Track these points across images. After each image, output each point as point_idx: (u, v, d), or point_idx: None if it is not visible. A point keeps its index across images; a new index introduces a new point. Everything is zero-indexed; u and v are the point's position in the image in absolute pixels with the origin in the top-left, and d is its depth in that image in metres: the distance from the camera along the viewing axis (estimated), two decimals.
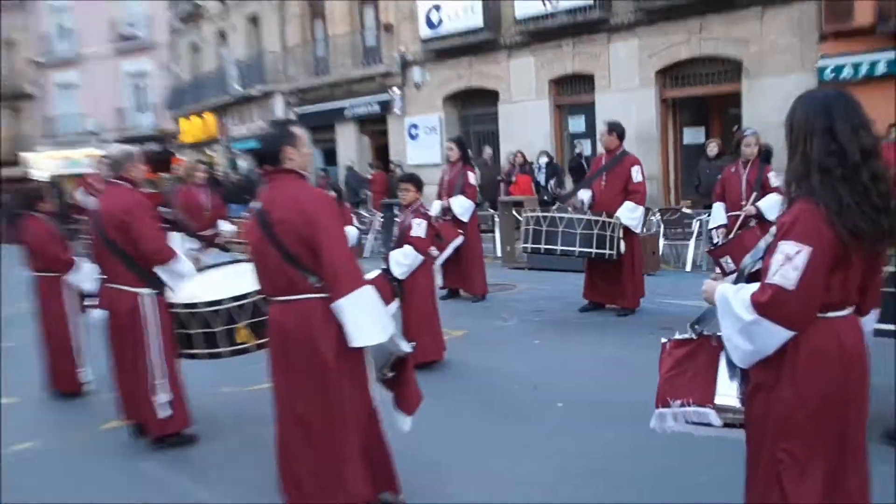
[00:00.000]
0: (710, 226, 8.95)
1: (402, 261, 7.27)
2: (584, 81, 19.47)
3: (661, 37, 17.67)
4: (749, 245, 7.77)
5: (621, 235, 8.99)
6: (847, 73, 15.17)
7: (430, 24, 21.64)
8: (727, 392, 3.13)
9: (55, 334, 7.31)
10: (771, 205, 8.21)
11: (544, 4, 18.89)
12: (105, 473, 5.47)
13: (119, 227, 5.43)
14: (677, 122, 18.47)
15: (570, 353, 7.95)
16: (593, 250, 8.93)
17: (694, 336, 3.29)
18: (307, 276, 3.89)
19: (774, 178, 8.34)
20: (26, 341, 9.02)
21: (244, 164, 30.43)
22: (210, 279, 5.94)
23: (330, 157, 26.73)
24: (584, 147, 19.39)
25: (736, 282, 3.08)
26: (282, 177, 4.04)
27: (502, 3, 20.33)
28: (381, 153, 24.87)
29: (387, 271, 7.19)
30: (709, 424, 3.20)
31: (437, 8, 21.36)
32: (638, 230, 9.42)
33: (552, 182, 18.04)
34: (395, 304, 7.48)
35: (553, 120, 20.18)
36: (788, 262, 2.73)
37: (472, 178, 10.80)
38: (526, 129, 19.98)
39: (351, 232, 9.61)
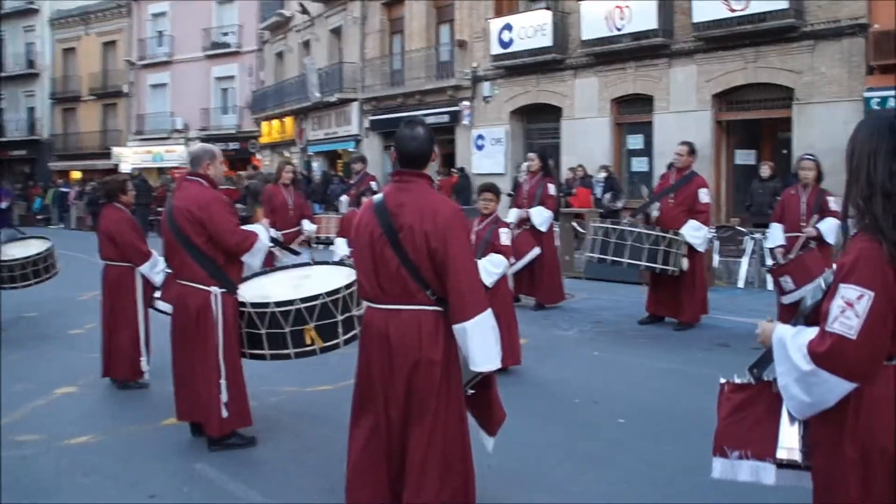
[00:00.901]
0: (768, 245, 8.95)
1: (493, 269, 6.99)
2: (643, 102, 20.14)
3: (718, 63, 18.30)
4: (810, 265, 8.39)
5: (685, 252, 9.06)
6: (892, 103, 15.64)
7: (501, 42, 22.49)
8: (790, 444, 2.80)
9: (123, 323, 7.13)
10: (830, 227, 8.20)
11: (609, 28, 19.65)
12: (160, 473, 5.15)
13: (194, 223, 5.25)
14: (730, 143, 19.02)
15: (629, 366, 7.86)
16: (658, 265, 9.00)
17: (752, 381, 2.92)
18: (424, 287, 3.61)
19: (833, 203, 8.30)
20: (92, 330, 8.85)
21: (317, 165, 31.58)
22: (279, 280, 5.79)
23: (365, 162, 27.50)
24: (637, 164, 20.13)
25: (795, 323, 2.75)
26: (417, 181, 3.71)
27: (570, 25, 21.13)
28: (448, 161, 25.73)
29: None
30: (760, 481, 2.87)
31: (509, 28, 22.22)
32: (702, 249, 9.50)
33: (608, 195, 18.71)
34: None
35: (613, 137, 20.86)
36: (849, 309, 2.42)
37: (552, 189, 10.85)
38: (587, 144, 20.72)
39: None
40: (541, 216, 10.68)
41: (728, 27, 17.60)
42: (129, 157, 41.72)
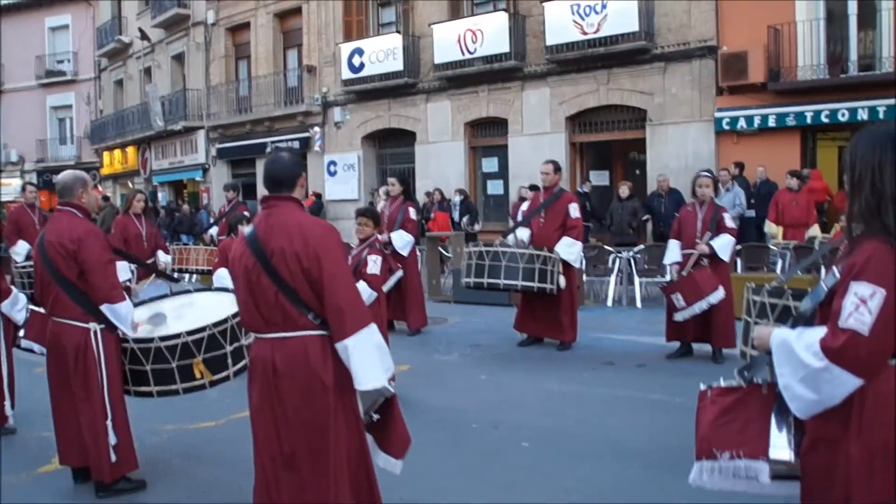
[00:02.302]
0: (665, 261, 8.44)
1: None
2: (497, 125, 19.06)
3: (571, 86, 17.44)
4: (700, 283, 7.54)
5: (560, 270, 8.42)
6: (741, 124, 15.18)
7: (351, 67, 20.94)
8: (780, 444, 2.69)
9: None
10: (724, 244, 7.86)
11: (462, 52, 18.48)
12: None
13: (66, 257, 4.64)
14: (584, 164, 18.23)
15: (520, 389, 7.26)
16: (535, 284, 8.28)
17: (743, 383, 2.79)
18: (305, 312, 3.33)
19: (729, 220, 8.00)
20: None
21: (163, 196, 29.10)
22: (159, 310, 5.23)
23: (249, 191, 25.51)
24: (493, 187, 19.15)
25: (793, 325, 2.65)
26: (284, 204, 3.47)
27: (422, 48, 19.85)
28: None
29: None
30: (756, 479, 2.72)
31: (360, 52, 20.71)
32: (577, 265, 8.91)
33: (465, 219, 17.51)
34: None
35: (468, 160, 19.65)
36: (863, 306, 2.33)
37: (413, 213, 10.12)
38: (441, 168, 19.42)
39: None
40: (402, 240, 9.88)
41: (580, 50, 16.75)
42: None
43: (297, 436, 3.36)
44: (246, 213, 11.87)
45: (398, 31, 20.34)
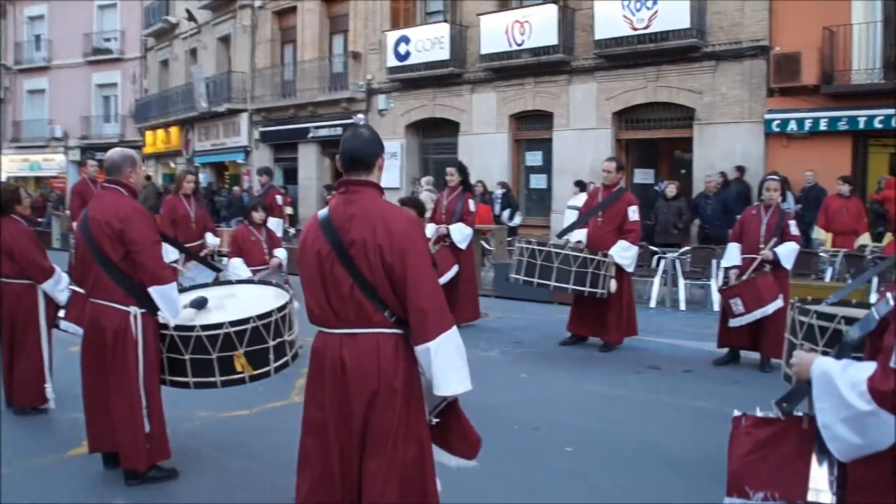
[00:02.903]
0: (724, 264, 8.23)
1: None
2: (543, 118, 19.00)
3: (619, 81, 17.35)
4: (762, 290, 7.40)
5: (613, 274, 8.26)
6: (792, 127, 15.00)
7: (397, 55, 20.99)
8: (821, 485, 2.43)
9: (26, 346, 6.17)
10: (789, 252, 7.66)
11: (509, 43, 18.44)
12: None
13: (111, 237, 4.51)
14: (629, 162, 18.10)
15: (561, 389, 7.15)
16: (587, 289, 8.18)
17: (781, 415, 2.56)
18: (381, 308, 3.10)
19: (794, 227, 7.78)
20: None
21: (204, 177, 29.36)
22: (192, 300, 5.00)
23: (291, 176, 25.78)
24: (536, 181, 19.11)
25: (839, 356, 2.34)
26: (364, 190, 3.20)
27: (469, 38, 19.83)
28: (340, 175, 23.96)
29: None
30: None
31: (406, 40, 20.74)
32: (630, 269, 8.68)
33: (506, 212, 17.53)
34: None
35: (511, 153, 19.62)
36: None
37: (472, 204, 9.90)
38: (484, 160, 19.35)
39: (281, 253, 8.87)
40: (461, 233, 9.64)
41: (629, 45, 16.64)
42: (5, 166, 38.13)
43: (359, 438, 3.18)
44: (278, 199, 11.93)
45: (445, 21, 20.34)
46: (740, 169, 14.93)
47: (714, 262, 11.57)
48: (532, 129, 19.55)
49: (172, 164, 32.77)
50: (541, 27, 17.90)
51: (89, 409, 4.75)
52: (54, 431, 5.83)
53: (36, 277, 6.10)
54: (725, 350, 8.12)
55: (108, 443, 4.71)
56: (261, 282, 5.60)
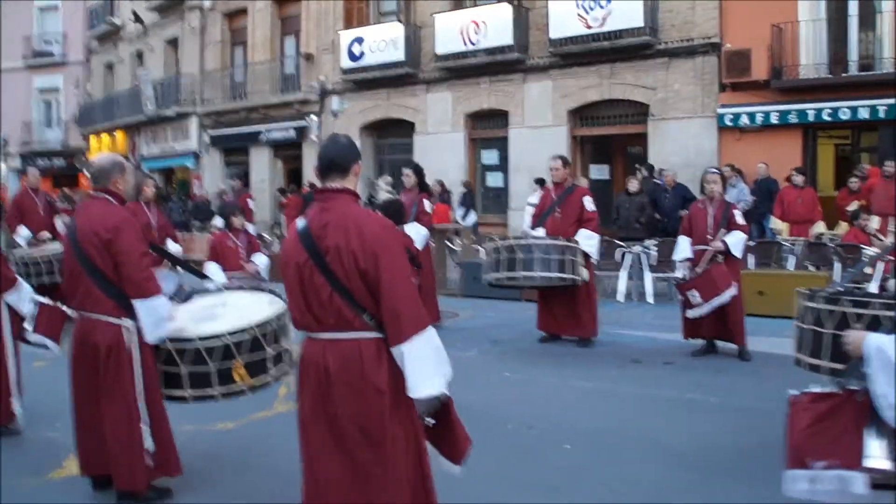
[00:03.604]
0: (676, 258, 8.46)
1: None
2: (498, 117, 19.17)
3: (573, 79, 17.59)
4: (717, 280, 7.65)
5: (582, 262, 8.35)
6: (744, 121, 15.38)
7: (351, 55, 20.95)
8: (877, 454, 2.60)
9: None
10: (737, 241, 7.95)
11: (464, 43, 18.55)
12: None
13: (100, 247, 4.32)
14: (585, 158, 18.37)
15: (548, 387, 7.15)
16: (568, 275, 8.19)
17: (838, 389, 2.72)
18: (360, 313, 3.17)
19: (740, 216, 8.08)
20: None
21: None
22: (189, 309, 4.81)
23: (243, 179, 25.48)
24: (493, 179, 19.28)
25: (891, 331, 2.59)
26: (340, 197, 3.26)
27: (423, 38, 19.90)
28: (294, 177, 23.87)
29: None
30: (852, 490, 2.65)
31: (360, 41, 20.73)
32: (596, 257, 8.89)
33: (462, 211, 17.65)
34: None
35: (467, 152, 19.74)
36: None
37: (428, 205, 10.01)
38: (441, 159, 19.35)
39: (261, 259, 8.75)
40: (417, 233, 9.56)
41: (584, 44, 16.89)
42: None
43: (353, 444, 3.21)
44: (249, 202, 11.86)
45: (399, 21, 20.38)
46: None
47: None
48: (488, 127, 19.71)
49: None
50: (495, 26, 18.07)
51: (80, 430, 4.53)
52: (29, 452, 5.57)
53: None
54: (701, 342, 8.26)
55: (101, 464, 4.48)
56: (252, 288, 5.49)
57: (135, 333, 4.35)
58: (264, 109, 24.01)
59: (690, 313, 7.89)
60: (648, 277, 12.17)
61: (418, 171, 10.17)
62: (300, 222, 3.32)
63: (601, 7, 16.47)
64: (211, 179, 25.94)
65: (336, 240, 3.13)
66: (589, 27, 16.66)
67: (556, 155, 9.26)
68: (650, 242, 12.51)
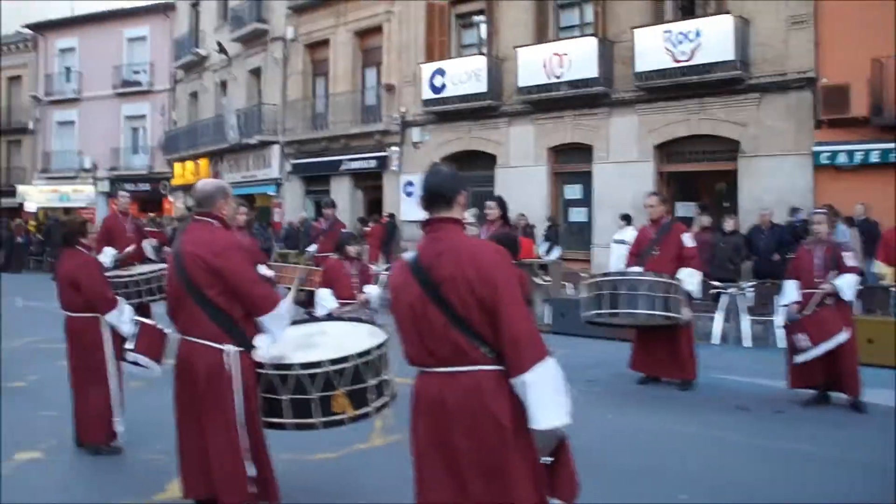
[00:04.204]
0: (782, 303, 8.24)
1: None
2: (582, 151, 18.92)
3: (660, 114, 17.26)
4: (828, 323, 7.30)
5: (684, 300, 8.18)
6: (842, 159, 14.83)
7: (433, 87, 21.01)
8: None
9: (92, 381, 6.13)
10: (849, 283, 7.59)
11: (547, 76, 18.41)
12: None
13: (208, 272, 4.33)
14: (671, 195, 17.96)
15: (654, 432, 6.94)
16: (673, 314, 7.97)
17: None
18: (478, 344, 3.08)
19: (850, 258, 7.72)
20: (36, 382, 8.35)
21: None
22: (286, 337, 4.77)
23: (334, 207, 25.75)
24: (575, 214, 19.04)
25: None
26: (448, 227, 3.25)
27: (506, 71, 19.83)
28: (374, 207, 24.00)
29: None
30: None
31: (442, 73, 20.77)
32: (698, 295, 8.71)
33: (546, 246, 17.41)
34: None
35: (550, 186, 19.53)
36: None
37: None
38: (522, 193, 19.15)
39: (372, 290, 8.65)
40: None
41: (671, 77, 16.56)
42: (35, 196, 38.57)
43: (473, 480, 3.11)
44: (353, 233, 11.89)
45: (482, 53, 20.36)
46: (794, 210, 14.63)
47: (776, 297, 11.38)
48: (571, 162, 19.45)
49: None
50: (579, 59, 17.87)
51: (184, 452, 4.56)
52: (131, 473, 5.73)
53: (100, 309, 6.10)
54: (813, 391, 7.91)
55: (204, 487, 4.47)
56: (350, 318, 5.51)
57: (237, 359, 4.34)
58: (345, 139, 24.26)
59: (798, 358, 7.54)
60: (746, 320, 11.74)
61: (502, 204, 9.97)
62: (409, 256, 3.31)
63: (689, 41, 16.12)
64: (291, 208, 26.29)
65: (450, 269, 3.10)
66: (677, 61, 16.32)
67: (651, 192, 9.14)
68: (746, 284, 12.10)
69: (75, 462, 6.04)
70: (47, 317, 12.89)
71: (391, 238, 21.48)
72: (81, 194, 38.25)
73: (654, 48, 16.67)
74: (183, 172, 33.81)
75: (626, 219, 15.33)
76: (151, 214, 32.59)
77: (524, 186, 19.40)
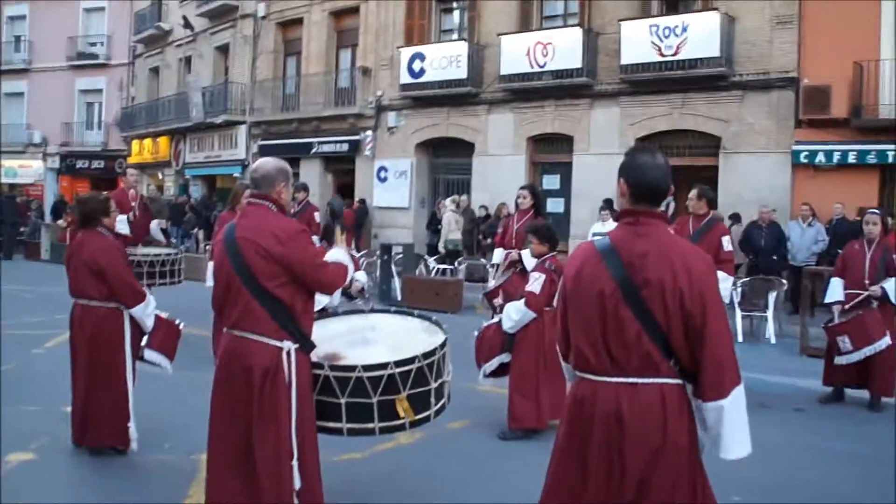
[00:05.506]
0: (827, 300, 8.19)
1: (513, 315, 6.38)
2: (562, 142, 19.33)
3: (643, 107, 17.73)
4: (871, 327, 7.45)
5: None
6: (820, 158, 15.45)
7: (411, 72, 21.20)
8: None
9: (108, 378, 5.60)
10: None
11: (530, 64, 18.76)
12: None
13: (268, 260, 3.95)
14: None
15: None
16: None
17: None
18: (668, 357, 2.90)
19: None
20: (9, 372, 7.69)
21: (195, 190, 29.16)
22: (336, 331, 4.61)
23: (306, 190, 25.76)
24: (553, 205, 19.40)
25: None
26: (656, 224, 2.97)
27: (487, 58, 20.14)
28: (345, 192, 24.11)
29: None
30: None
31: (421, 57, 20.98)
32: (727, 301, 8.60)
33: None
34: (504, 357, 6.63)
35: (528, 175, 19.88)
36: None
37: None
38: (500, 182, 19.53)
39: (361, 276, 8.79)
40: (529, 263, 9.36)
41: (656, 71, 17.03)
42: None
43: (634, 495, 2.90)
44: (316, 216, 11.91)
45: (462, 39, 20.64)
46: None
47: (771, 294, 11.84)
48: (551, 152, 19.86)
49: (160, 176, 32.63)
50: (564, 49, 18.23)
51: (220, 456, 4.11)
52: (145, 479, 5.34)
53: (126, 301, 5.62)
54: (830, 388, 8.10)
55: (243, 497, 4.05)
56: (397, 311, 5.23)
57: (294, 358, 3.98)
58: (317, 122, 24.31)
59: (839, 360, 7.67)
60: (738, 315, 11.88)
61: (535, 193, 9.48)
62: (600, 242, 3.04)
63: (676, 35, 16.59)
64: None
65: (659, 274, 2.85)
66: (662, 55, 16.77)
67: (696, 185, 8.59)
68: (737, 280, 12.42)
69: (76, 464, 5.61)
70: (11, 301, 12.76)
71: (362, 224, 21.70)
72: (29, 170, 37.58)
73: (639, 41, 17.08)
74: (141, 150, 33.48)
75: (608, 203, 15.73)
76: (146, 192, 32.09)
77: (502, 175, 19.71)
